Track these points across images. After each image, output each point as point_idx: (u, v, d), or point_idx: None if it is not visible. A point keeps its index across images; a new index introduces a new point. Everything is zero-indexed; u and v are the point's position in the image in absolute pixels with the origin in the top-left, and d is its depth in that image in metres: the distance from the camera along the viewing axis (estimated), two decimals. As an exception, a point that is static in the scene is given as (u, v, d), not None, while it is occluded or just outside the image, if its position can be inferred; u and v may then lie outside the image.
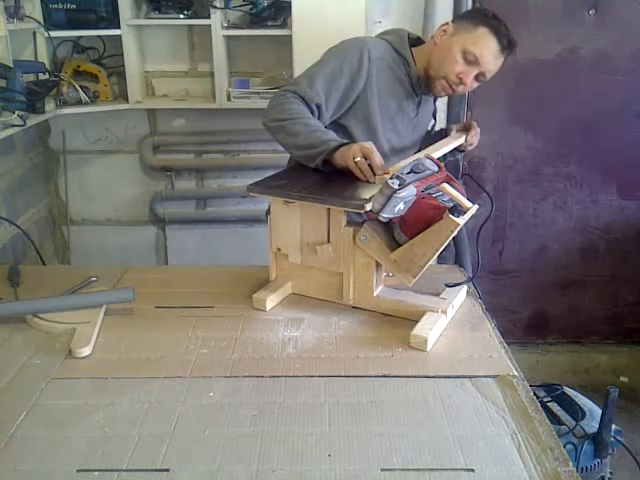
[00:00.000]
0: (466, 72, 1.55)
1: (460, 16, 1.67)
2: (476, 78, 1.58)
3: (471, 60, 1.53)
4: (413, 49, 1.63)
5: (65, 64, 2.38)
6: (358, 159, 1.34)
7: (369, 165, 1.34)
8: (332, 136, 1.44)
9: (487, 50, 1.52)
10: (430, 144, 1.64)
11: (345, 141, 1.42)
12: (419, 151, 1.67)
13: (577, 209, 2.70)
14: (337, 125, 1.59)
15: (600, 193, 2.67)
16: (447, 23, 1.59)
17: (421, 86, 1.63)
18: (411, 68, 1.60)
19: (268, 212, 1.72)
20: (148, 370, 1.14)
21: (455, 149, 1.70)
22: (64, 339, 1.23)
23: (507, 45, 1.53)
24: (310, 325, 1.29)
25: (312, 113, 1.50)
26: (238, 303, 1.39)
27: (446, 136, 1.72)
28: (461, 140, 1.69)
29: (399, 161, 1.61)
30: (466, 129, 1.74)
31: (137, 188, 2.71)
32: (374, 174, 1.34)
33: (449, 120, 2.54)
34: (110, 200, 2.73)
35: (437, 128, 1.87)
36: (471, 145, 1.74)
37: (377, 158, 1.34)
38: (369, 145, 1.35)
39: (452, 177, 1.32)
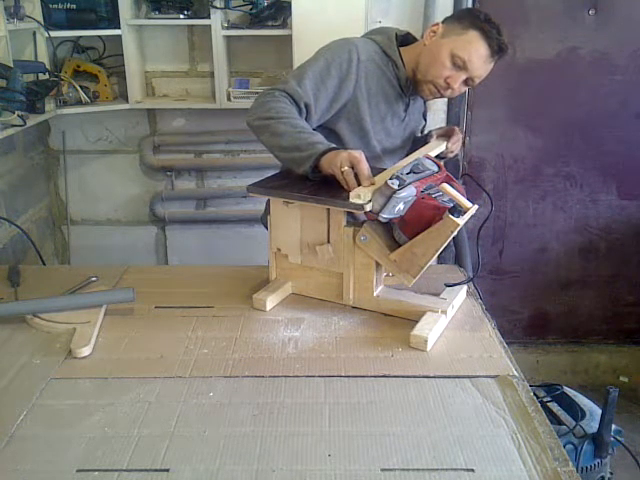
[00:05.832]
0: (454, 77, 1.51)
1: (451, 17, 1.60)
2: (465, 82, 1.54)
3: (459, 65, 1.49)
4: (402, 49, 1.59)
5: (65, 64, 2.38)
6: (345, 168, 1.26)
7: (356, 174, 1.27)
8: (320, 139, 1.37)
9: (476, 55, 1.48)
10: (411, 151, 1.60)
11: (333, 145, 1.36)
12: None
13: (577, 209, 2.71)
14: (328, 130, 1.54)
15: (600, 193, 2.68)
16: (437, 23, 1.55)
17: (410, 87, 1.59)
18: (399, 70, 1.57)
19: (264, 215, 1.71)
20: (148, 370, 1.14)
21: (436, 156, 1.61)
22: (64, 339, 1.23)
23: (497, 50, 1.48)
24: (310, 325, 1.29)
25: (300, 113, 1.45)
26: (238, 303, 1.39)
27: (426, 143, 1.65)
28: (442, 147, 1.62)
29: (392, 162, 1.59)
30: (447, 135, 1.67)
31: (137, 188, 2.71)
32: (360, 184, 1.25)
33: (449, 120, 2.54)
34: (110, 200, 2.73)
35: (432, 128, 1.81)
36: (452, 152, 1.67)
37: (364, 168, 1.26)
38: (358, 154, 1.28)
39: (452, 177, 1.32)
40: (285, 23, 2.29)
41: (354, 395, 1.06)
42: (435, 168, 1.30)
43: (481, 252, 1.45)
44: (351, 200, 1.21)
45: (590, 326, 2.87)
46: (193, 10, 2.32)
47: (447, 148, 1.65)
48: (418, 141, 1.74)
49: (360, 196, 1.20)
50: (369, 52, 1.55)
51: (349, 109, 1.54)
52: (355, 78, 1.51)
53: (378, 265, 1.30)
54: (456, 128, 1.69)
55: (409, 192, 1.20)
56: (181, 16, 2.29)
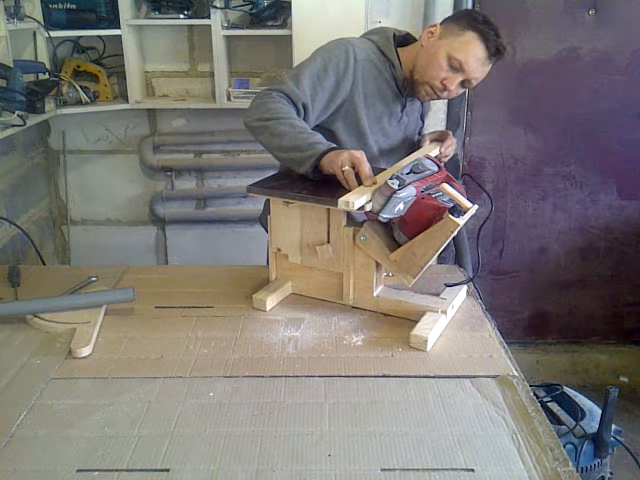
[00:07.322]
0: (450, 78, 1.50)
1: (449, 18, 1.58)
2: (461, 84, 1.53)
3: (456, 67, 1.48)
4: (399, 49, 1.58)
5: (65, 64, 2.39)
6: (346, 168, 1.27)
7: (357, 174, 1.27)
8: (320, 139, 1.37)
9: (473, 57, 1.47)
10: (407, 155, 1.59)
11: (334, 145, 1.36)
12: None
13: (577, 209, 2.71)
14: (324, 130, 1.54)
15: (600, 193, 2.68)
16: (434, 25, 1.54)
17: (407, 88, 1.59)
18: (396, 70, 1.56)
19: (262, 216, 1.70)
20: (148, 370, 1.14)
21: None
22: (64, 339, 1.23)
23: (495, 52, 1.48)
24: (310, 325, 1.29)
25: (298, 113, 1.45)
26: (238, 303, 1.39)
27: (419, 147, 1.64)
28: (435, 152, 1.61)
29: (389, 163, 1.58)
30: (441, 139, 1.66)
31: (137, 188, 2.71)
32: (361, 184, 1.26)
33: (449, 120, 2.54)
34: (110, 200, 2.73)
35: (431, 130, 1.81)
36: (446, 157, 1.66)
37: (366, 169, 1.26)
38: (359, 155, 1.28)
39: (452, 177, 1.32)
40: (285, 23, 2.29)
41: (354, 395, 1.06)
42: (435, 168, 1.30)
43: (481, 252, 1.45)
44: (340, 207, 1.20)
45: (590, 326, 2.87)
46: (193, 10, 2.32)
47: (440, 153, 1.63)
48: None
49: (349, 204, 1.19)
50: (366, 52, 1.54)
51: (346, 109, 1.54)
52: (352, 77, 1.50)
53: (378, 265, 1.30)
54: (450, 133, 1.68)
55: (409, 192, 1.20)
56: (181, 16, 2.29)
